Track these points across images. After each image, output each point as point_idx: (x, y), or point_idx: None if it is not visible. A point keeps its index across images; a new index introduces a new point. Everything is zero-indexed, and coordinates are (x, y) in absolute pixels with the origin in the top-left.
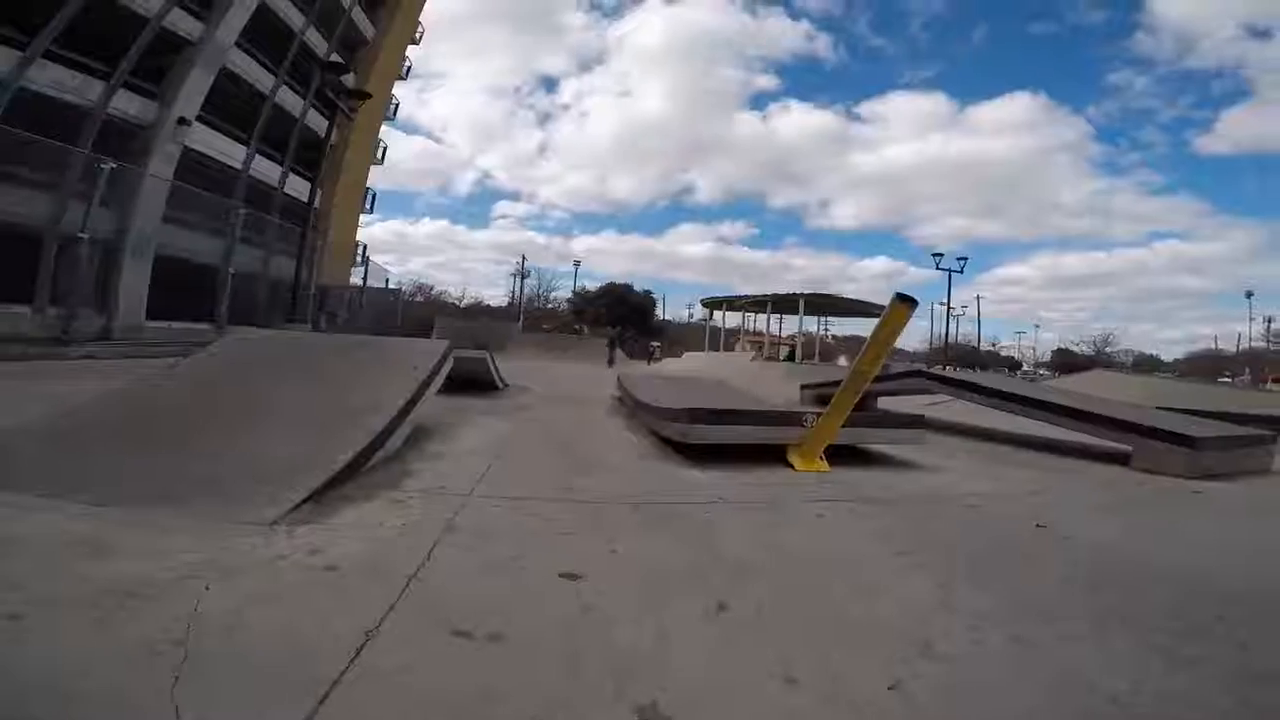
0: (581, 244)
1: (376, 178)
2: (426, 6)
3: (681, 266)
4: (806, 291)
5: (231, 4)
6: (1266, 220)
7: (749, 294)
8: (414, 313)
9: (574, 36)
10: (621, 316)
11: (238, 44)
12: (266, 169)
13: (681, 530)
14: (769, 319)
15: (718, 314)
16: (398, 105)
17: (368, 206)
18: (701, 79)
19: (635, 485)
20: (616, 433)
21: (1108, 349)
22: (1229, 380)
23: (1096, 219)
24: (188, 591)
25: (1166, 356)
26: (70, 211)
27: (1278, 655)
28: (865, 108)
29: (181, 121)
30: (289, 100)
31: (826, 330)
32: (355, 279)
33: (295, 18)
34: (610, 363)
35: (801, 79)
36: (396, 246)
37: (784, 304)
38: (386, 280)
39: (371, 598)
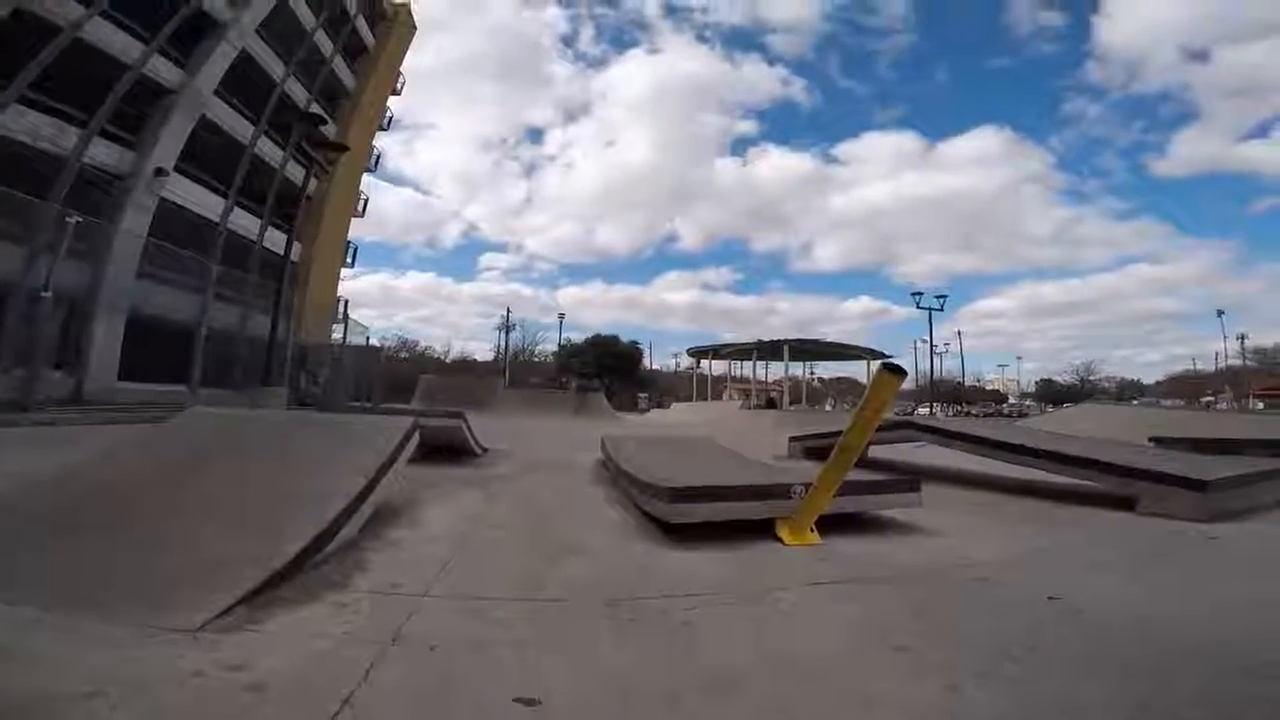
0: (568, 295)
1: (360, 230)
2: (411, 58)
3: (668, 315)
4: (790, 337)
5: (212, 52)
6: (1227, 238)
7: (734, 342)
8: (398, 370)
9: (559, 88)
10: (609, 368)
11: (217, 93)
12: (246, 222)
13: (658, 635)
14: (754, 366)
15: (704, 362)
16: (379, 156)
17: (349, 260)
18: (683, 126)
19: (612, 576)
20: (598, 507)
21: (1090, 377)
22: (1212, 400)
23: (1067, 247)
24: (86, 712)
25: (1148, 380)
26: (39, 266)
27: None
28: (841, 149)
29: (159, 172)
30: (269, 151)
31: (812, 374)
32: (337, 335)
33: (276, 67)
34: (577, 412)
35: (779, 123)
36: (381, 300)
37: (769, 350)
38: (367, 337)
39: None
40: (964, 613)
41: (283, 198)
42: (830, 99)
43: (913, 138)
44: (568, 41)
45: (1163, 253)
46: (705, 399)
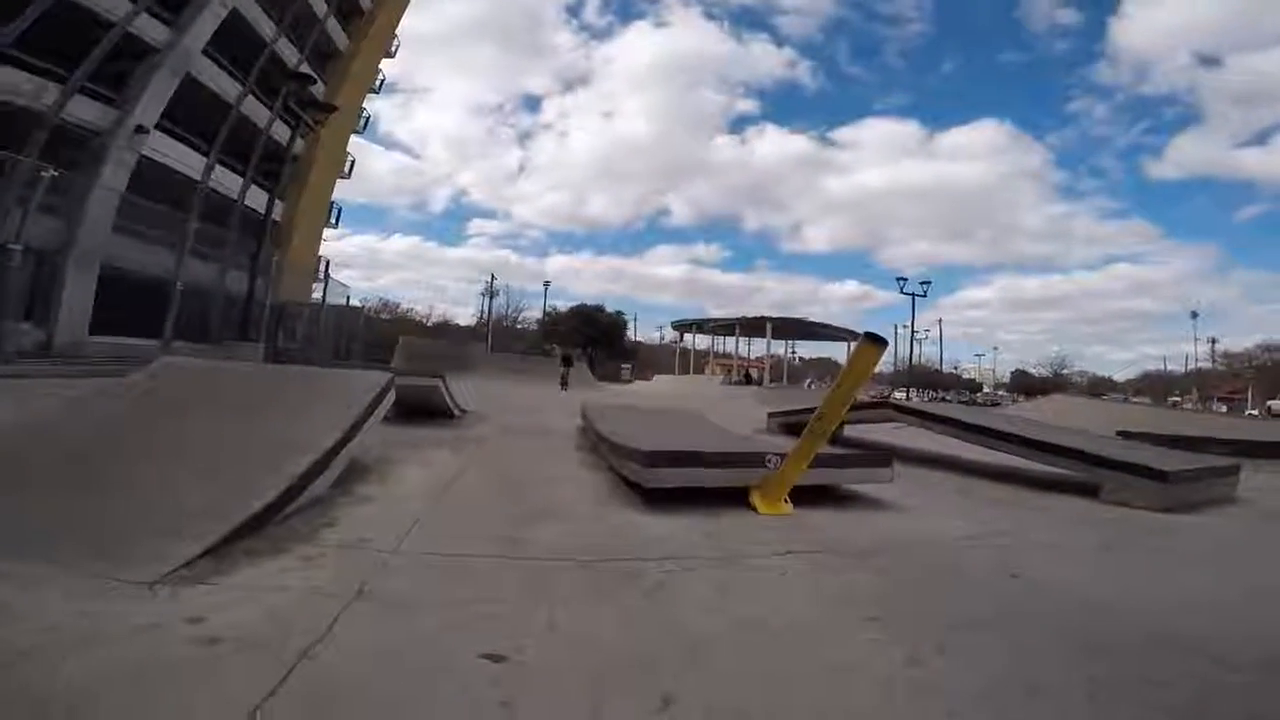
0: (556, 263)
1: (346, 192)
2: (410, 21)
3: (657, 288)
4: (774, 315)
5: (202, 11)
6: (1209, 242)
7: (718, 317)
8: (379, 331)
9: (561, 57)
10: (592, 337)
11: (205, 51)
12: (228, 181)
13: (632, 596)
14: (737, 342)
15: (688, 336)
16: (369, 119)
17: (332, 221)
18: (685, 102)
19: (587, 538)
20: (575, 470)
21: (1063, 371)
22: (1178, 399)
23: (1055, 243)
24: (37, 664)
25: (1119, 377)
26: (10, 219)
27: None
28: (840, 133)
29: (140, 129)
30: (255, 110)
31: (794, 353)
32: (318, 295)
33: (267, 26)
34: (564, 385)
35: (780, 103)
36: (366, 262)
37: (752, 327)
38: (348, 298)
39: (250, 680)
40: (930, 586)
41: (267, 157)
42: (835, 83)
43: (914, 126)
44: (573, 11)
45: (1145, 254)
46: (688, 373)
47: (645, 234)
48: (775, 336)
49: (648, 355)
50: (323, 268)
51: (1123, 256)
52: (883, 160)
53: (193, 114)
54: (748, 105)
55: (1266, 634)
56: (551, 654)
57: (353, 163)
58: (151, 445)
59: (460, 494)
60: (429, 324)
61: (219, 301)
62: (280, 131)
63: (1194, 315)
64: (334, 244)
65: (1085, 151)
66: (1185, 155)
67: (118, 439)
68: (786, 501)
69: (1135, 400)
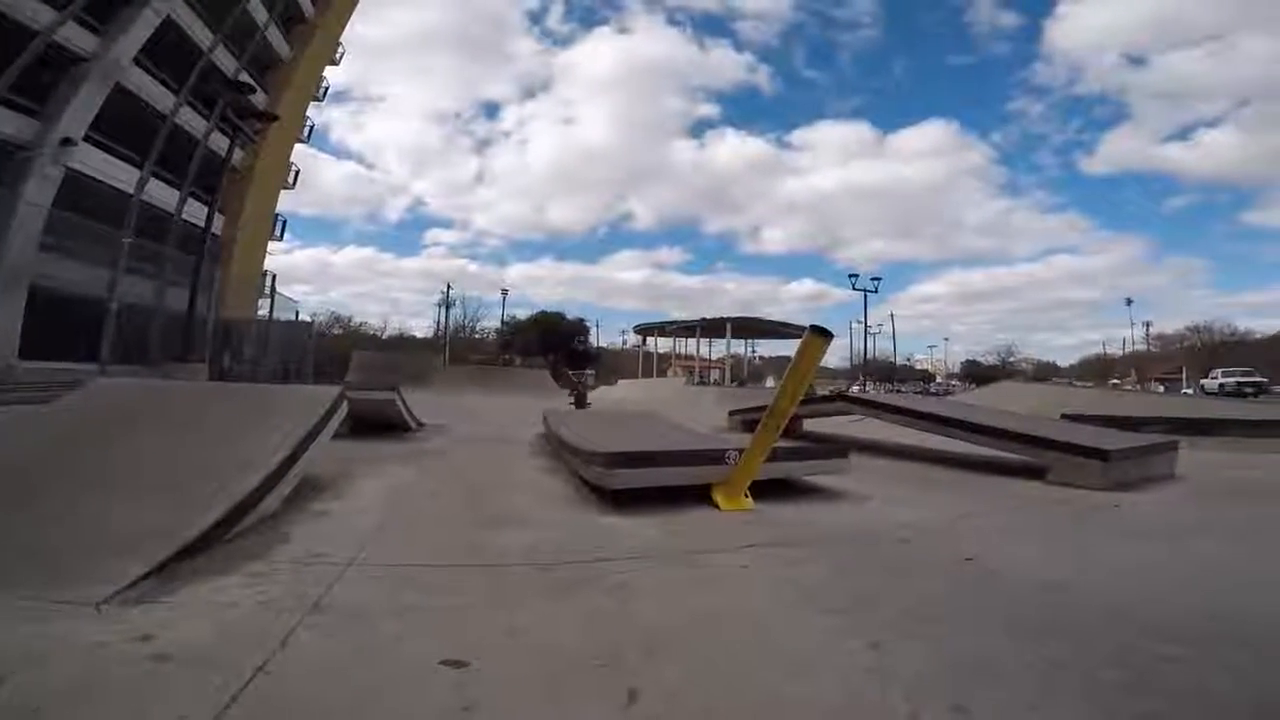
0: (516, 272)
1: (295, 204)
2: (363, 29)
3: (619, 293)
4: (733, 315)
5: (133, 19)
6: (1140, 233)
7: (680, 320)
8: (330, 346)
9: (521, 64)
10: (553, 345)
11: (137, 61)
12: (164, 194)
13: (594, 596)
14: (698, 343)
15: (651, 340)
16: (313, 128)
17: (277, 233)
18: (646, 107)
19: (548, 541)
20: (536, 477)
21: (1010, 358)
22: (1118, 382)
23: (999, 238)
24: None
25: (1062, 363)
26: None
27: (1226, 701)
28: (796, 136)
29: (65, 142)
30: (191, 121)
31: (754, 352)
32: (264, 312)
33: (203, 35)
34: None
35: (740, 108)
36: (316, 275)
37: (712, 328)
38: (296, 312)
39: (202, 696)
40: (888, 574)
41: (206, 169)
42: (792, 87)
43: (866, 128)
44: (535, 18)
45: (1082, 245)
46: (651, 376)
47: (607, 239)
48: (735, 336)
49: (611, 361)
50: (269, 282)
51: (1061, 248)
52: (837, 162)
53: (124, 126)
54: (708, 110)
55: (1211, 608)
56: (513, 657)
57: (297, 173)
58: (92, 466)
59: (418, 505)
60: (383, 337)
61: (159, 321)
62: (219, 142)
63: (1128, 302)
64: (281, 258)
65: (1025, 149)
66: (1115, 151)
67: (56, 460)
68: (747, 496)
69: (1078, 384)
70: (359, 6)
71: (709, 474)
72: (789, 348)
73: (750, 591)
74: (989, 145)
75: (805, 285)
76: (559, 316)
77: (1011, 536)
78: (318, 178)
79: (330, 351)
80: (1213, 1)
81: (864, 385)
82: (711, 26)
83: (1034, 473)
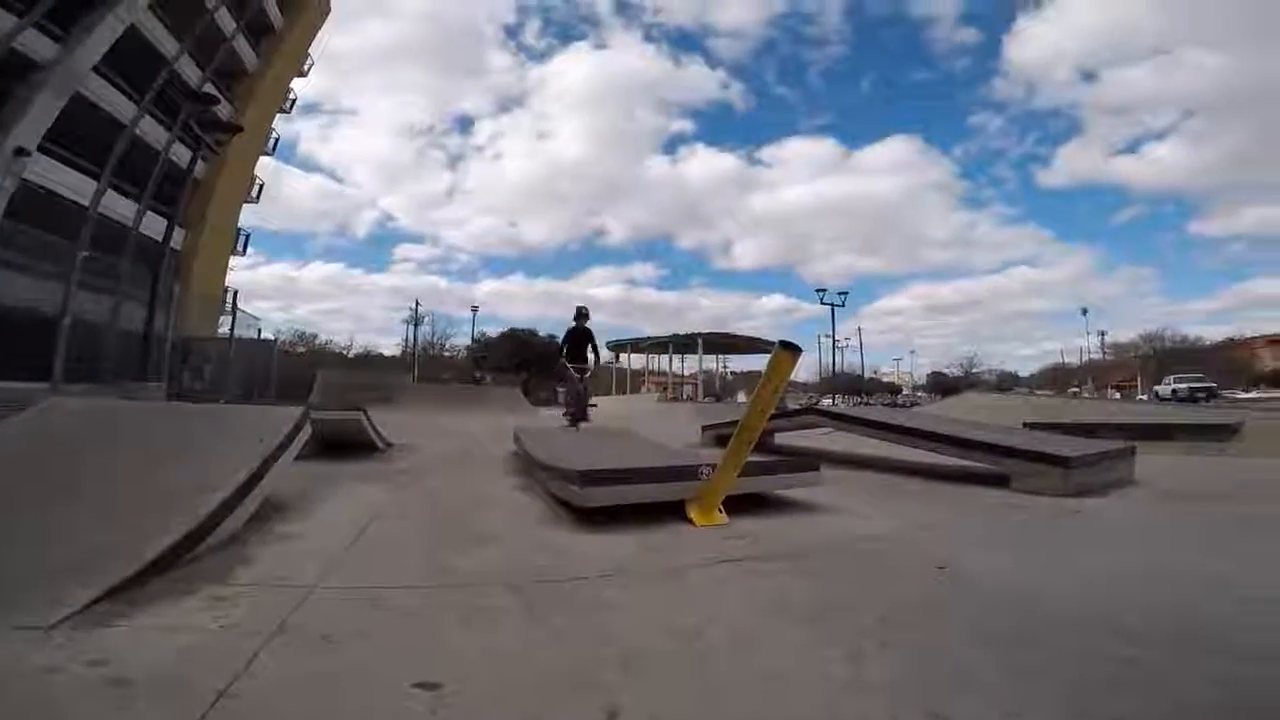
0: (488, 288)
1: (260, 219)
2: (337, 41)
3: (593, 309)
4: (705, 331)
5: (95, 27)
6: (1094, 244)
7: (653, 336)
8: (294, 365)
9: (495, 78)
10: (525, 362)
11: (97, 69)
12: (123, 207)
13: (569, 615)
14: (671, 359)
15: (624, 356)
16: (278, 140)
17: (240, 248)
18: (621, 122)
19: (522, 561)
20: (508, 495)
21: (974, 369)
22: (1077, 390)
23: (961, 250)
24: None
25: (1023, 372)
26: None
27: (1196, 699)
28: (766, 152)
29: (19, 152)
30: (153, 132)
31: (726, 367)
32: (225, 330)
33: (169, 44)
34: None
35: (713, 124)
36: (281, 292)
37: (685, 344)
38: (259, 330)
39: None
40: (862, 584)
41: (166, 181)
42: (763, 104)
43: (833, 144)
44: (512, 32)
45: (1041, 257)
46: (625, 392)
47: (580, 255)
48: (707, 352)
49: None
50: (231, 298)
51: (1021, 260)
52: (806, 178)
53: (83, 136)
54: (682, 125)
55: (1175, 610)
56: (489, 679)
57: (261, 186)
58: (44, 487)
59: (387, 526)
60: (350, 355)
61: (114, 338)
62: (180, 154)
63: (1084, 312)
64: (244, 273)
65: (984, 163)
66: (1070, 164)
67: (4, 480)
68: (721, 511)
69: (1039, 393)
70: (331, 17)
71: (683, 490)
72: (760, 363)
73: (726, 606)
74: (951, 160)
75: (776, 300)
76: (530, 333)
77: (980, 544)
78: (283, 191)
79: (295, 370)
80: (1158, 16)
81: (833, 399)
82: (686, 43)
83: (999, 481)
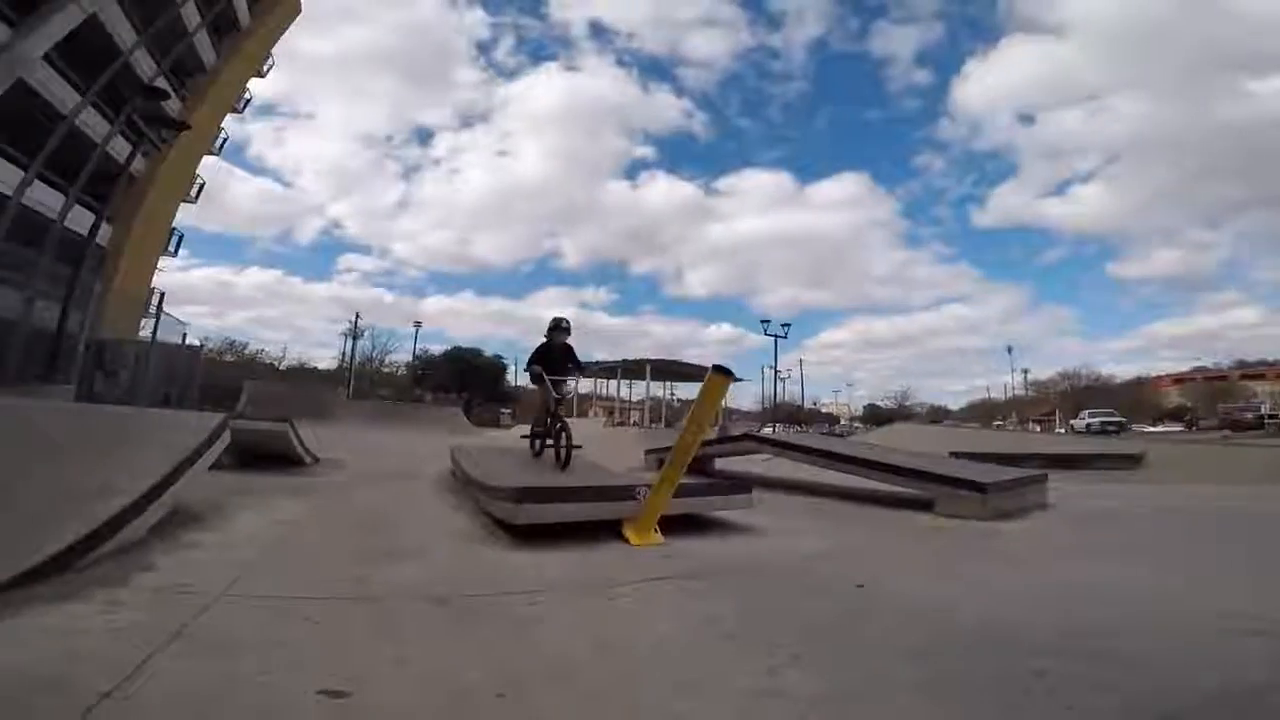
0: (435, 304)
1: (197, 219)
2: (306, 43)
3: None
4: (653, 358)
5: (53, 14)
6: (1021, 283)
7: (600, 361)
8: (220, 374)
9: (461, 92)
10: (469, 383)
11: (47, 57)
12: (47, 198)
13: (494, 628)
14: (619, 385)
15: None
16: (226, 139)
17: (171, 248)
18: (584, 145)
19: (449, 575)
20: (441, 512)
21: (907, 402)
22: (1001, 423)
23: (900, 287)
24: None
25: (953, 406)
26: None
27: (1095, 706)
28: (723, 182)
29: None
30: (91, 122)
31: (673, 394)
32: (147, 333)
33: (126, 34)
34: (430, 425)
35: (674, 151)
36: (214, 297)
37: (632, 370)
38: (184, 335)
39: None
40: (786, 601)
41: (100, 175)
42: (724, 134)
43: (788, 178)
44: (484, 48)
45: (972, 295)
46: (571, 415)
47: (534, 276)
48: (655, 379)
49: (531, 399)
50: (155, 301)
51: (954, 298)
52: (758, 210)
53: (16, 123)
54: (645, 152)
55: (1081, 627)
56: (401, 688)
57: (202, 186)
58: None
59: (304, 538)
60: (281, 367)
61: (22, 336)
62: (120, 148)
63: (1009, 350)
64: (175, 275)
65: (926, 202)
66: (1002, 205)
67: None
68: (657, 531)
69: (966, 425)
70: (301, 18)
71: (619, 510)
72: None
73: (654, 621)
74: (894, 198)
75: (724, 329)
76: (475, 352)
77: (901, 564)
78: (226, 193)
79: (222, 380)
80: (1093, 63)
81: (773, 427)
82: (657, 71)
83: (923, 505)
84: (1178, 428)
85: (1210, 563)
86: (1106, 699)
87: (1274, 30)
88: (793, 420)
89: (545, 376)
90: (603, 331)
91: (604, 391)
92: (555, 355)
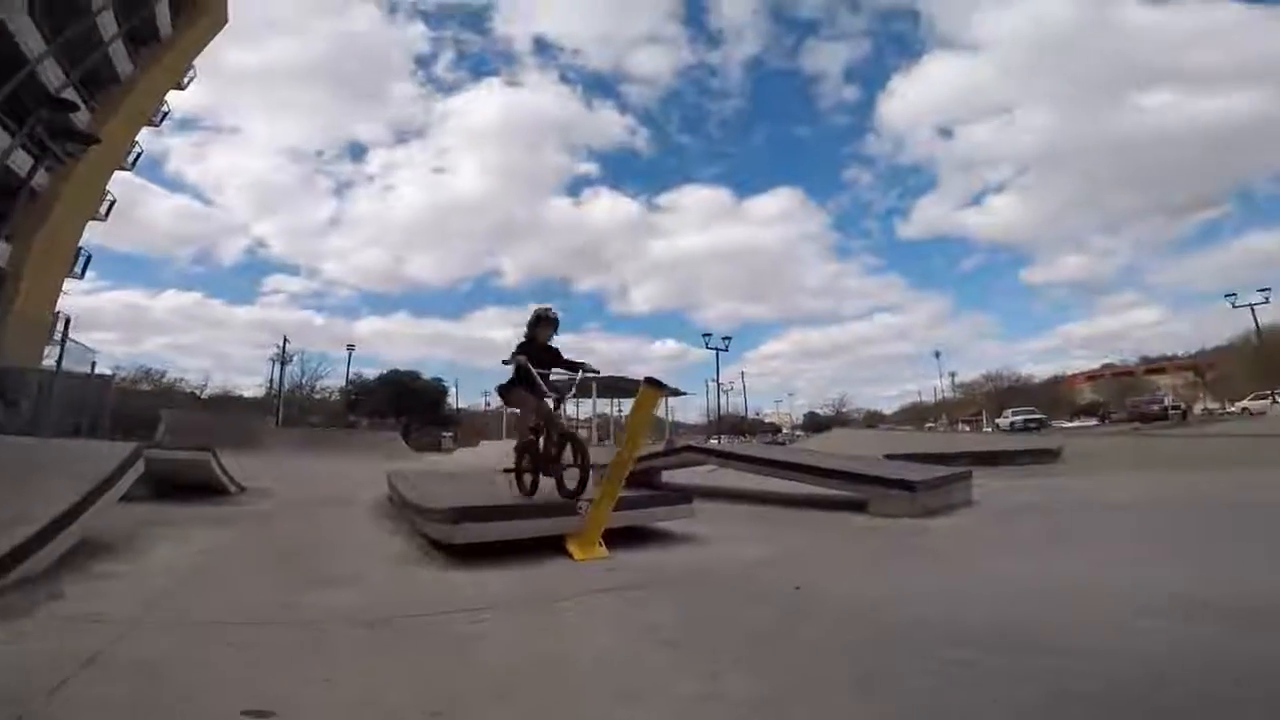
0: (369, 326)
1: (105, 237)
2: (234, 55)
3: (485, 352)
4: (601, 375)
5: None
6: (945, 291)
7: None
8: (136, 404)
9: (398, 107)
10: (407, 407)
11: None
12: None
13: (430, 648)
14: (565, 403)
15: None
16: (139, 154)
17: (78, 270)
18: (525, 161)
19: (384, 598)
20: (375, 538)
21: (844, 409)
22: (933, 425)
23: (833, 298)
24: None
25: (887, 410)
26: None
27: (1019, 695)
28: (665, 198)
29: None
30: None
31: (620, 412)
32: (52, 360)
33: (34, 42)
34: (366, 451)
35: (617, 168)
36: (127, 323)
37: (579, 388)
38: (93, 363)
39: None
40: (726, 607)
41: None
42: (666, 151)
43: (726, 193)
44: (423, 62)
45: (900, 304)
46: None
47: (473, 295)
48: (601, 396)
49: (474, 422)
50: (61, 326)
51: (884, 307)
52: (699, 225)
53: None
54: (588, 168)
55: (1005, 619)
56: (329, 709)
57: (112, 203)
58: None
59: (226, 566)
60: (203, 396)
61: None
62: (21, 161)
63: (937, 355)
64: (83, 299)
65: (855, 215)
66: (925, 216)
67: None
68: (601, 545)
69: (900, 428)
70: (227, 30)
71: (562, 525)
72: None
73: (596, 633)
74: (826, 211)
75: (668, 345)
76: (413, 375)
77: (836, 564)
78: (140, 210)
79: (137, 410)
80: (1005, 78)
81: (718, 438)
82: (600, 87)
83: (859, 506)
84: (1093, 422)
85: (1124, 551)
86: (1028, 689)
87: (1159, 47)
88: (737, 431)
89: (534, 372)
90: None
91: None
92: (542, 358)
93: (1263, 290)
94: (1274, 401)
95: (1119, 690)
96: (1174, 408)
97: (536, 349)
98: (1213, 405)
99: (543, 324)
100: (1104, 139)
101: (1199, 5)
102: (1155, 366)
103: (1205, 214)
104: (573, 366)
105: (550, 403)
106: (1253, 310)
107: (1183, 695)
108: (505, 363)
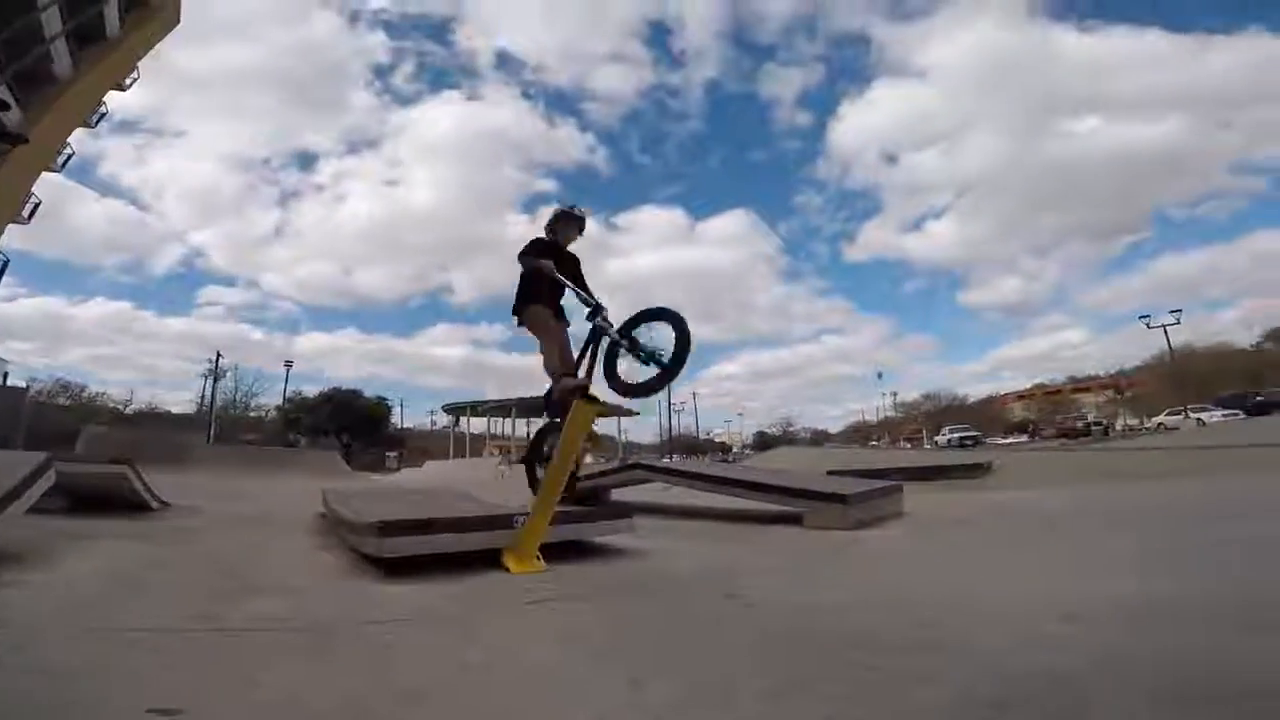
0: (312, 342)
1: (27, 241)
2: (185, 58)
3: (434, 370)
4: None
5: None
6: (887, 314)
7: (493, 399)
8: (54, 419)
9: (352, 117)
10: (349, 425)
11: None
12: None
13: (353, 656)
14: (514, 423)
15: (464, 420)
16: (70, 156)
17: None
18: (481, 176)
19: (308, 609)
20: (306, 553)
21: (791, 428)
22: (876, 443)
23: (782, 320)
24: None
25: (833, 430)
26: None
27: (924, 698)
28: (622, 218)
29: None
30: None
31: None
32: None
33: None
34: (304, 471)
35: (576, 186)
36: (46, 333)
37: (530, 408)
38: (4, 374)
39: None
40: (657, 617)
41: None
42: (625, 170)
43: (681, 214)
44: (381, 72)
45: (845, 326)
46: (464, 456)
47: (423, 312)
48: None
49: (420, 442)
50: None
51: (830, 329)
52: (654, 245)
53: None
54: (546, 185)
55: (918, 623)
56: (240, 709)
57: (37, 205)
58: None
59: (149, 578)
60: (127, 411)
61: None
62: None
63: (879, 375)
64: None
65: (804, 238)
66: (870, 240)
67: None
68: (539, 558)
69: (846, 446)
70: (178, 31)
71: (497, 539)
72: (606, 425)
73: (523, 644)
74: (777, 234)
75: (621, 366)
76: (355, 393)
77: (769, 575)
78: (69, 214)
79: (54, 425)
80: (947, 105)
81: (671, 457)
82: (562, 104)
83: (795, 520)
84: (1024, 438)
85: (1041, 559)
86: (936, 690)
87: (1085, 74)
88: (691, 450)
89: (567, 283)
90: (498, 370)
91: (500, 430)
92: (565, 266)
93: (1174, 311)
94: (1186, 416)
95: (1016, 690)
96: (1097, 424)
97: (557, 254)
98: (1132, 421)
99: (565, 222)
100: (1037, 164)
101: (1127, 32)
102: (1081, 386)
103: (1128, 238)
104: (588, 302)
105: (600, 325)
106: (1165, 331)
107: (1076, 695)
108: (520, 259)
